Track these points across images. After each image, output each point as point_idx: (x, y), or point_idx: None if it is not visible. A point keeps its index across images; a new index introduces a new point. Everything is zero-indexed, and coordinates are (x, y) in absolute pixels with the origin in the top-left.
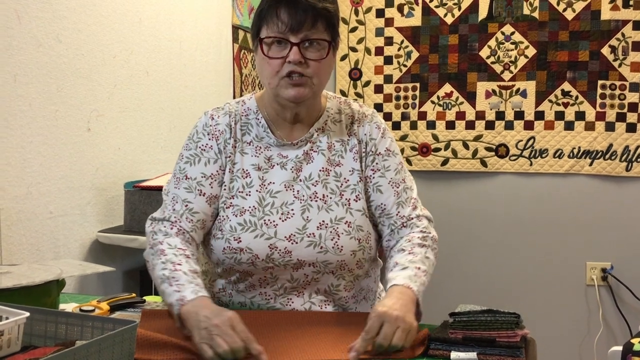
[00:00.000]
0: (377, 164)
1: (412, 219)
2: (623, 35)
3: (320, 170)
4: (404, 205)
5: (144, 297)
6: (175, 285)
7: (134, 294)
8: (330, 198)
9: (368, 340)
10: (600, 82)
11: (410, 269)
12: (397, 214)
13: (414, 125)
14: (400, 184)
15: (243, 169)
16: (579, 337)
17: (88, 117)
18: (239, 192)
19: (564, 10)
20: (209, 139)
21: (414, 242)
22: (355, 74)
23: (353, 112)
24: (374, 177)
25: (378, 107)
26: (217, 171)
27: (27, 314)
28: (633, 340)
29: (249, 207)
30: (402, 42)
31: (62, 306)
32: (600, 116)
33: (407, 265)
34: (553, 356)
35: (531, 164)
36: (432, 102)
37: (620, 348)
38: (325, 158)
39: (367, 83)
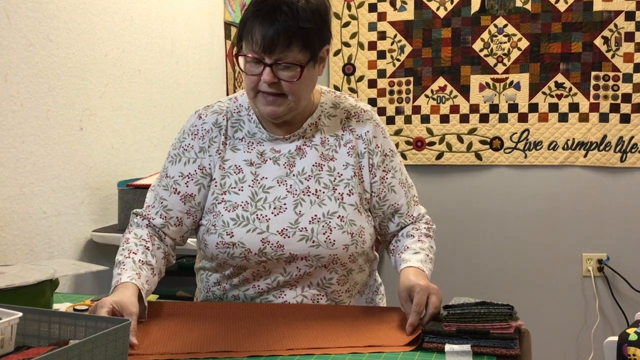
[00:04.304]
0: (387, 164)
1: (419, 215)
2: (616, 26)
3: (313, 165)
4: (412, 203)
5: None
6: (120, 269)
7: None
8: (323, 192)
9: (419, 312)
10: (593, 73)
11: (421, 254)
12: (407, 213)
13: (408, 120)
14: (405, 184)
15: (235, 165)
16: (576, 328)
17: (80, 116)
18: (232, 187)
19: (556, 1)
20: (192, 139)
21: (422, 232)
22: (348, 69)
23: (349, 107)
24: (387, 178)
25: (372, 102)
26: (194, 171)
27: (20, 314)
28: (629, 330)
29: (242, 202)
30: (395, 36)
31: (56, 306)
32: (594, 107)
33: (418, 250)
34: (551, 348)
35: (526, 157)
36: (426, 96)
37: (616, 338)
38: (319, 153)
39: (361, 78)
